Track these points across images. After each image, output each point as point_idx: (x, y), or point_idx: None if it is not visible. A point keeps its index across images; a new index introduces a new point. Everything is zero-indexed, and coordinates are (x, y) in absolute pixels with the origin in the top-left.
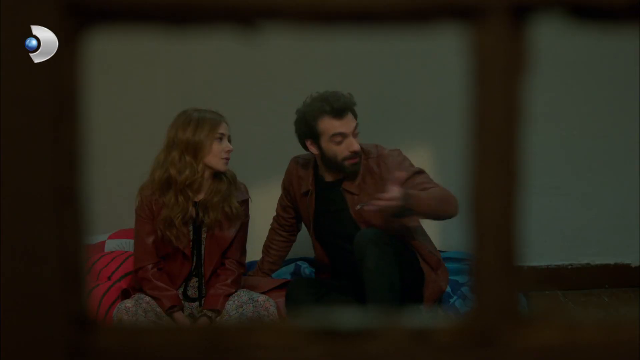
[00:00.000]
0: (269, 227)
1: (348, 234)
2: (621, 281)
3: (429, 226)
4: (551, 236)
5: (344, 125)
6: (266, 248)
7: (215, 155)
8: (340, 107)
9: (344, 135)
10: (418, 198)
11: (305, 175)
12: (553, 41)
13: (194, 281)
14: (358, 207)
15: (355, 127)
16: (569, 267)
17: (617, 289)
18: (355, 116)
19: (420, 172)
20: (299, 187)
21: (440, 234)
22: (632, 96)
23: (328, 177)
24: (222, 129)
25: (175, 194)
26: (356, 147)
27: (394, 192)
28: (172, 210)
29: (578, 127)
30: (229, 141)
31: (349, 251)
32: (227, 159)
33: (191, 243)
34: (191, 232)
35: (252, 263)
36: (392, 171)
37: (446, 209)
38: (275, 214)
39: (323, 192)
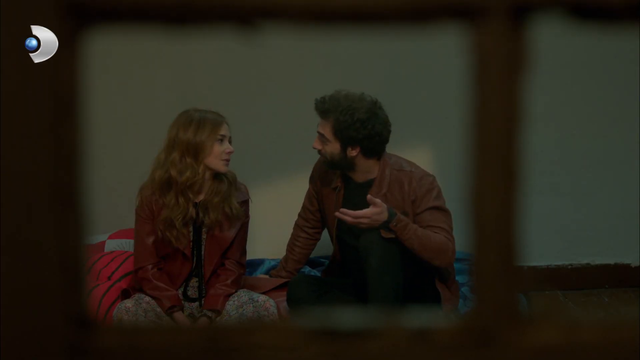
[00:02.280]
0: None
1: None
2: (621, 281)
3: None
4: (551, 236)
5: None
6: (290, 246)
7: (216, 157)
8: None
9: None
10: (404, 229)
11: (334, 171)
12: (553, 41)
13: (194, 281)
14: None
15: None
16: (569, 267)
17: (617, 289)
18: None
19: (440, 209)
20: (329, 182)
21: None
22: (631, 96)
23: (359, 178)
24: (223, 130)
25: (176, 194)
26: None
27: (361, 212)
28: (172, 211)
29: (578, 127)
30: (230, 142)
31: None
32: (228, 160)
33: (191, 243)
34: (191, 233)
35: (252, 261)
36: (420, 196)
37: (430, 257)
38: (292, 220)
39: (350, 191)
